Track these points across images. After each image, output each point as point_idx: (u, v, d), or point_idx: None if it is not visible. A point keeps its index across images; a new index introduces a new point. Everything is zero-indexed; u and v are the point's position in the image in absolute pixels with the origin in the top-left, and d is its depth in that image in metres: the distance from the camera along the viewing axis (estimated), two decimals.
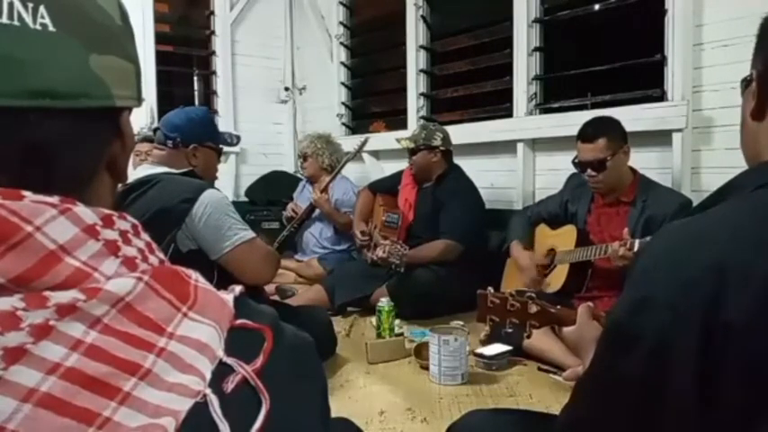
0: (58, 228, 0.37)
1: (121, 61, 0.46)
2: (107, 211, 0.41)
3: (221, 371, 0.40)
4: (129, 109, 0.49)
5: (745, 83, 0.68)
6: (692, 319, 0.52)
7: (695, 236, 0.56)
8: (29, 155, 0.40)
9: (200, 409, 0.38)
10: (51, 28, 0.40)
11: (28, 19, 0.39)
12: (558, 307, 1.11)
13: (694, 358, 0.51)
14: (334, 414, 0.54)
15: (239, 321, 0.44)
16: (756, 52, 0.68)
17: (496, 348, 2.16)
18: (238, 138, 2.20)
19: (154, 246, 0.45)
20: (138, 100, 0.49)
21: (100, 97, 0.43)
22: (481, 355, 2.14)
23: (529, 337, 1.14)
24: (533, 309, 1.11)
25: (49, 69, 0.40)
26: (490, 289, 1.18)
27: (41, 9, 0.40)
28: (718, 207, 0.60)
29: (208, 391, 0.39)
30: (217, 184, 2.02)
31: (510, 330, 1.16)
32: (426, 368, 2.07)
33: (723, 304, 0.50)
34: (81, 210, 0.38)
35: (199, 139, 1.90)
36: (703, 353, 0.51)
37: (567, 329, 1.03)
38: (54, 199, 0.37)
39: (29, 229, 0.35)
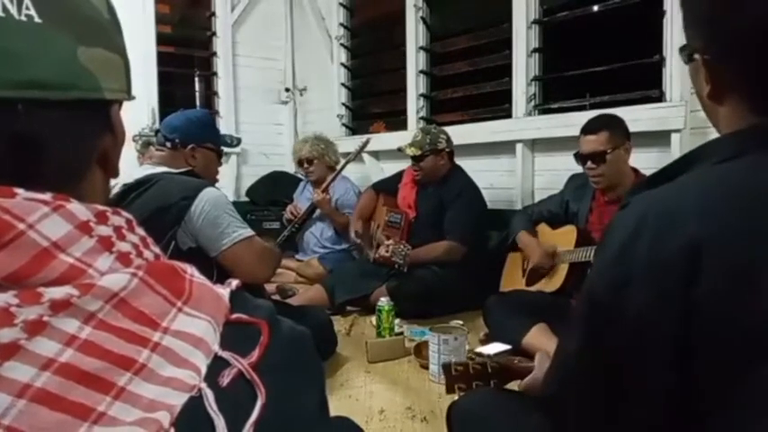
0: (52, 225, 0.37)
1: (110, 54, 0.46)
2: (101, 207, 0.41)
3: (217, 365, 0.40)
4: (120, 103, 0.48)
5: (688, 57, 0.66)
6: (670, 299, 0.54)
7: (668, 212, 0.58)
8: (17, 147, 0.40)
9: (196, 403, 0.38)
10: (37, 19, 0.40)
11: (13, 10, 0.39)
12: (517, 360, 1.16)
13: (674, 336, 0.54)
14: (333, 413, 0.54)
15: (235, 315, 0.44)
16: (691, 29, 0.65)
17: (496, 347, 2.16)
18: (239, 140, 2.20)
19: (149, 240, 0.44)
20: (128, 93, 0.49)
21: (89, 89, 0.43)
22: (480, 355, 2.14)
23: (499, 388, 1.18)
24: (492, 368, 1.14)
25: (37, 60, 0.40)
26: (452, 359, 1.23)
27: (26, 0, 0.40)
28: (685, 179, 0.61)
29: (203, 385, 0.39)
30: (217, 184, 2.03)
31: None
32: (426, 367, 2.07)
33: (698, 284, 0.53)
34: (74, 206, 0.38)
35: (197, 139, 1.92)
36: (682, 332, 0.54)
37: (529, 378, 1.07)
38: (47, 196, 0.37)
39: (21, 226, 0.35)
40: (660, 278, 0.55)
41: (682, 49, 0.68)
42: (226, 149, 2.16)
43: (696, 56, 0.65)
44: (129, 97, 0.49)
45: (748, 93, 0.62)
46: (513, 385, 1.15)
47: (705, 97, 0.66)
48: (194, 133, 1.92)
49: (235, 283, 0.47)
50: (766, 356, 0.51)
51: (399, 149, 3.00)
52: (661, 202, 0.59)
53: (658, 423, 0.57)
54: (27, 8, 0.39)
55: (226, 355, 0.41)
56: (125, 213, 0.43)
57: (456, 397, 1.20)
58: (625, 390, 0.59)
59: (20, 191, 0.36)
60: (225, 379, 0.40)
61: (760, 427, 0.51)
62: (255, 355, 0.42)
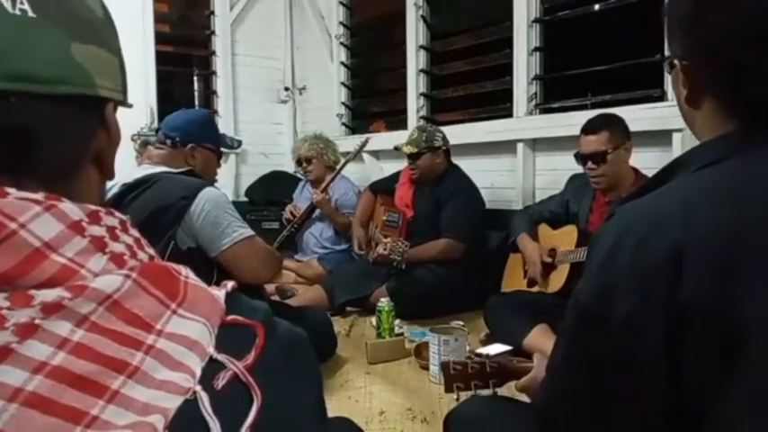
0: (43, 225, 0.36)
1: (104, 52, 0.45)
2: (93, 207, 0.40)
3: (212, 368, 0.40)
4: (115, 103, 0.48)
5: (669, 65, 0.70)
6: (656, 303, 0.55)
7: (651, 220, 0.59)
8: (9, 140, 0.39)
9: (191, 406, 0.37)
10: (31, 14, 0.40)
11: (7, 4, 0.39)
12: (515, 361, 1.16)
13: (661, 339, 0.55)
14: (333, 414, 0.54)
15: (230, 317, 0.43)
16: (672, 36, 0.69)
17: (496, 348, 2.15)
18: (239, 142, 2.20)
19: (143, 241, 0.44)
20: (124, 94, 0.48)
21: (82, 85, 0.43)
22: (481, 355, 2.13)
23: (495, 394, 1.17)
24: (491, 368, 1.14)
25: (30, 54, 0.39)
26: (451, 359, 1.22)
27: None
28: (668, 187, 0.62)
29: (198, 388, 0.38)
30: (216, 184, 2.02)
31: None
32: (426, 368, 2.07)
33: (682, 288, 0.54)
34: (66, 206, 0.38)
35: (197, 139, 1.92)
36: (669, 334, 0.55)
37: (526, 378, 1.06)
38: (39, 195, 0.37)
39: (13, 226, 0.35)
40: (644, 284, 0.56)
41: (665, 59, 0.71)
42: (225, 150, 2.15)
43: (675, 62, 0.68)
44: (125, 100, 0.49)
45: (723, 96, 0.64)
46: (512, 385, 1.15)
47: (683, 102, 0.69)
48: (194, 133, 1.91)
49: (230, 284, 0.46)
50: (751, 356, 0.52)
51: (396, 148, 3.01)
52: (643, 210, 0.61)
53: (650, 426, 0.58)
54: (21, 2, 0.39)
55: (221, 357, 0.41)
56: (118, 214, 0.42)
57: (455, 396, 1.20)
58: (614, 396, 0.60)
59: (11, 190, 0.36)
60: (220, 382, 0.40)
61: (749, 427, 0.53)
62: (251, 357, 0.42)
